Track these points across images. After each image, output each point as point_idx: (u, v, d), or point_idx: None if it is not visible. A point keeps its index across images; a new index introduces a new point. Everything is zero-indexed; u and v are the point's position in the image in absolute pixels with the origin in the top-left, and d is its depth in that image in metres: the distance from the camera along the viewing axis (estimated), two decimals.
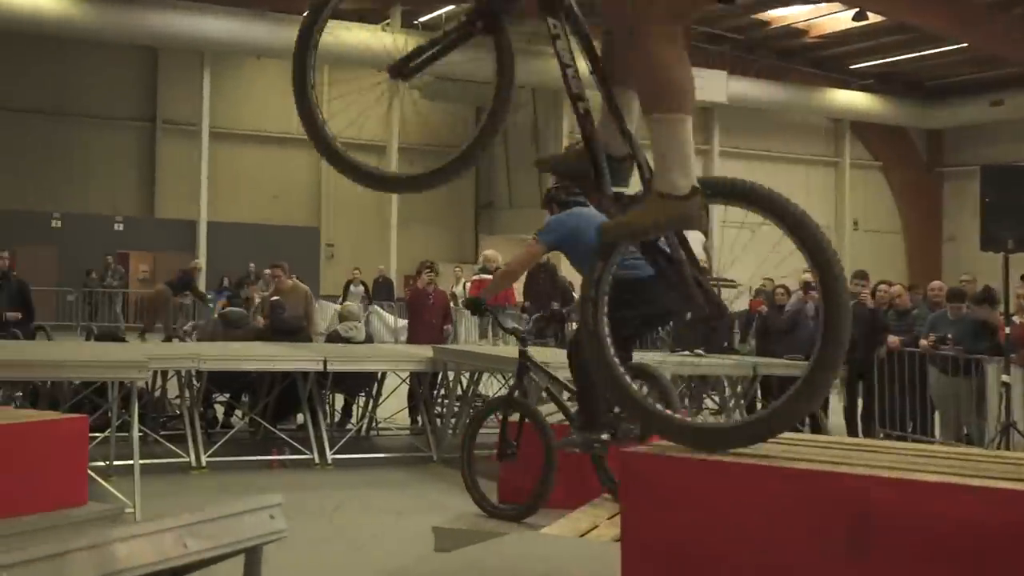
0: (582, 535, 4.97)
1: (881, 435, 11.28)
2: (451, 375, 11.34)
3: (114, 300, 25.46)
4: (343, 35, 26.62)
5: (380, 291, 23.69)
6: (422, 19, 28.58)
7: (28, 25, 23.96)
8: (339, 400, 12.11)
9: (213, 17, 25.10)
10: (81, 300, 25.07)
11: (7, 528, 5.23)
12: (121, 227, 27.67)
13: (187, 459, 9.65)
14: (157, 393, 11.15)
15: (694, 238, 10.95)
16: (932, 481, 2.73)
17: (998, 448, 9.86)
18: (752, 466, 2.94)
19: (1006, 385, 10.15)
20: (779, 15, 27.63)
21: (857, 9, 24.49)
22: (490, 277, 14.27)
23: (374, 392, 11.88)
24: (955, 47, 26.98)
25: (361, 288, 22.79)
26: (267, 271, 21.68)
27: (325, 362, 10.28)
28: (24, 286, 13.07)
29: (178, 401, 10.74)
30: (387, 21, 27.11)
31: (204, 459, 9.75)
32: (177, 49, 27.29)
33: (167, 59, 28.62)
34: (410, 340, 13.66)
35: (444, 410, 11.66)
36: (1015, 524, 2.56)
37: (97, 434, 9.02)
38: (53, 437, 5.86)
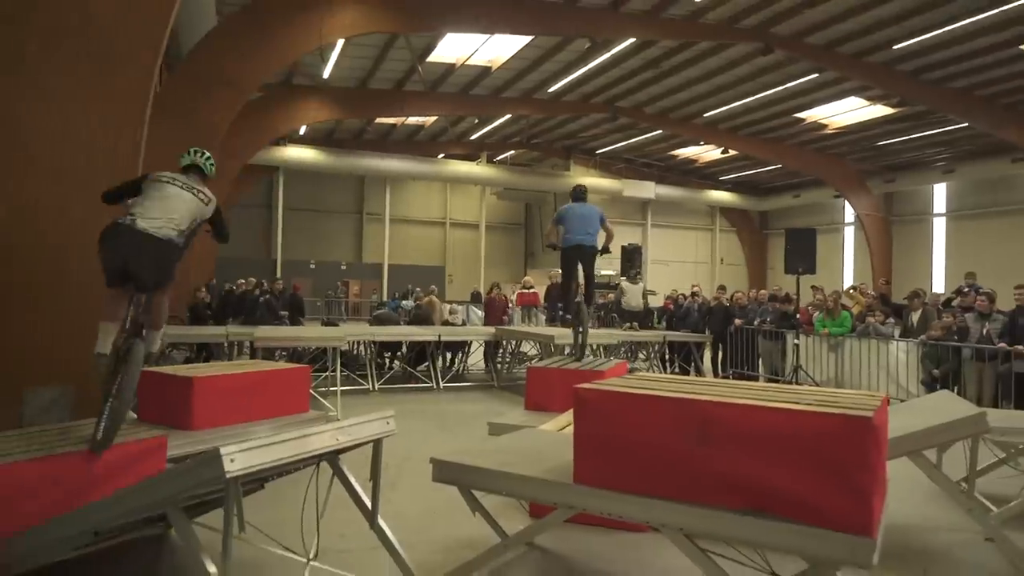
0: (560, 429, 4.80)
1: (731, 372, 11.18)
2: (505, 343, 11.27)
3: (340, 304, 25.80)
4: (456, 167, 26.72)
5: (475, 299, 23.60)
6: (497, 158, 28.47)
7: (298, 165, 24.27)
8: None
9: (392, 160, 25.24)
10: (324, 305, 25.36)
11: (271, 424, 5.28)
12: (344, 267, 27.92)
13: (367, 386, 9.63)
14: (354, 352, 11.16)
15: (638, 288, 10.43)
16: (740, 403, 2.65)
17: (791, 379, 9.73)
18: (647, 395, 2.84)
19: (796, 346, 9.97)
20: (683, 152, 27.21)
21: (723, 148, 24.19)
22: (528, 291, 14.16)
23: (467, 351, 11.85)
24: (775, 167, 26.53)
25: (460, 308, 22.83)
26: (417, 289, 21.71)
27: (439, 336, 10.24)
28: (298, 298, 13.33)
29: (365, 356, 10.76)
30: (479, 159, 27.04)
31: (376, 386, 9.74)
32: (374, 176, 27.51)
33: (368, 181, 28.85)
34: (485, 323, 13.60)
35: (501, 360, 11.57)
36: (789, 427, 2.47)
37: (322, 373, 9.11)
38: (291, 377, 5.85)
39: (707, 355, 12.32)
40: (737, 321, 11.30)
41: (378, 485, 3.28)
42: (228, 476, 2.43)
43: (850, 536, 2.34)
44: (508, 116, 22.54)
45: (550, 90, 19.69)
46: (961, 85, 16.90)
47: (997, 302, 8.39)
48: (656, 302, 15.86)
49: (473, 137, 25.73)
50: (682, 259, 30.81)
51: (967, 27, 13.86)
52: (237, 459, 2.48)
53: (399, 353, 11.45)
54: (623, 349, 11.89)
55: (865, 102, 19.06)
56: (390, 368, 11.26)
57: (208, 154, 4.36)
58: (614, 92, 20.15)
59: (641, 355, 12.55)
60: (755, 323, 11.03)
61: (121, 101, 4.65)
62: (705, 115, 21.32)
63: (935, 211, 24.93)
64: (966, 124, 18.59)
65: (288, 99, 18.59)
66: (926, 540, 4.59)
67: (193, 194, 4.02)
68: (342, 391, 8.28)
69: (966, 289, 9.71)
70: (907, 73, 16.55)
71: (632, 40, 15.75)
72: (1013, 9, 12.95)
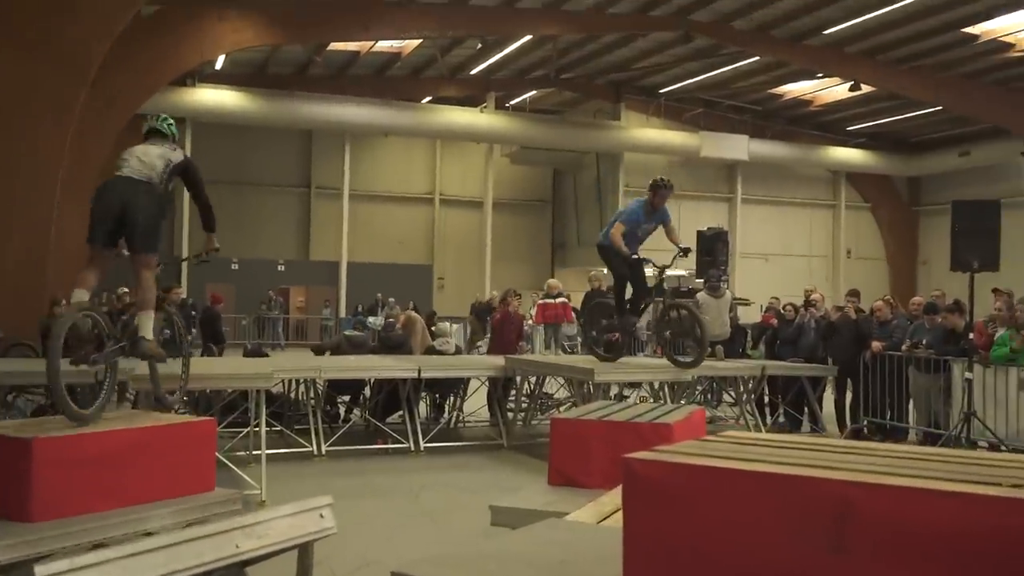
0: (602, 519, 4.61)
1: (864, 422, 11.06)
2: (518, 379, 11.18)
3: (276, 324, 25.87)
4: (450, 115, 26.70)
5: (477, 313, 23.44)
6: (511, 102, 28.40)
7: (214, 115, 24.35)
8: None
9: (352, 106, 25.27)
10: (252, 324, 25.44)
11: (156, 510, 5.09)
12: (283, 268, 28.01)
13: (310, 448, 9.53)
14: (293, 395, 11.06)
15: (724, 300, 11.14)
16: (902, 485, 2.47)
17: (960, 432, 9.59)
18: (741, 471, 2.65)
19: (968, 381, 9.79)
20: (789, 89, 27.24)
21: (852, 82, 24.08)
22: (555, 301, 14.03)
23: (461, 392, 11.77)
24: (931, 110, 26.39)
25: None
26: (391, 299, 21.76)
27: (419, 370, 10.15)
28: (212, 314, 13.57)
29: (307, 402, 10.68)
30: (484, 105, 26.98)
31: (324, 448, 9.64)
32: (326, 131, 27.57)
33: (318, 139, 28.92)
34: (490, 351, 13.50)
35: (515, 406, 11.45)
36: (979, 525, 2.29)
37: (241, 429, 8.99)
38: (187, 436, 5.71)
39: (828, 396, 12.17)
40: (876, 344, 11.13)
41: None
42: None
43: None
44: (528, 38, 22.45)
45: None
46: None
47: None
48: (750, 316, 15.62)
49: (475, 71, 25.73)
50: (789, 251, 30.65)
51: None
52: None
53: (362, 396, 11.30)
54: (700, 388, 11.73)
55: None
56: (346, 420, 11.11)
57: (166, 116, 6.26)
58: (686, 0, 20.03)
59: (728, 397, 12.37)
60: (903, 347, 10.87)
61: None
62: (825, 32, 21.21)
63: None
64: None
65: (197, 16, 18.63)
66: None
67: (156, 145, 5.92)
68: (270, 456, 8.12)
69: None
70: None
71: None
72: None
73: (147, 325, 5.89)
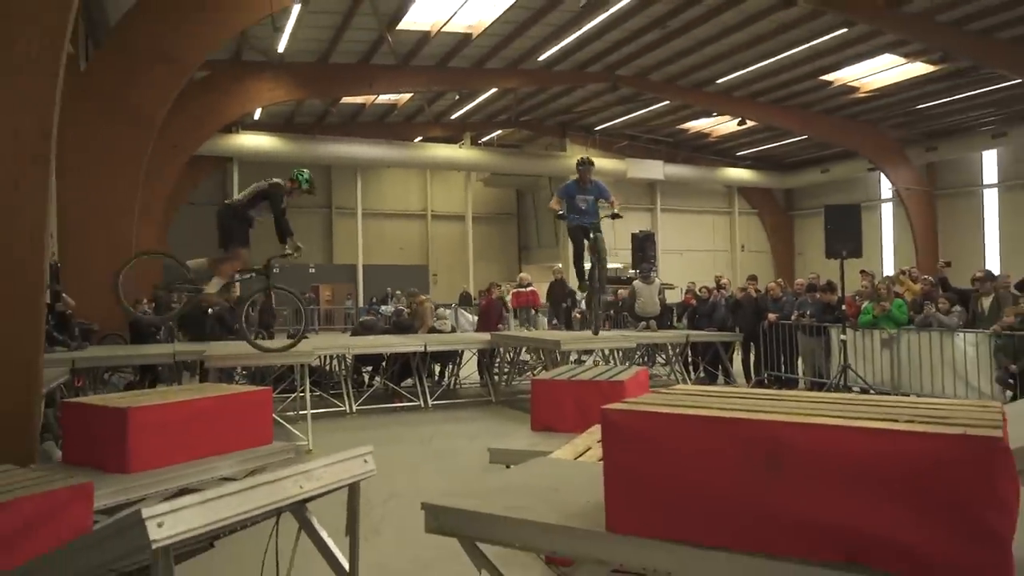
0: (578, 456, 4.51)
1: (765, 375, 11.03)
2: (501, 350, 11.04)
3: (312, 314, 25.44)
4: (436, 151, 26.41)
5: (464, 300, 23.31)
6: (483, 139, 28.18)
7: (254, 155, 23.93)
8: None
9: (362, 146, 24.97)
10: (291, 315, 25.05)
11: (228, 460, 5.03)
12: (313, 270, 27.54)
13: (343, 408, 9.36)
14: (328, 368, 10.89)
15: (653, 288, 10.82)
16: (821, 423, 2.40)
17: (838, 381, 9.58)
18: (695, 416, 2.58)
19: (843, 342, 9.77)
20: (693, 124, 27.05)
21: (740, 118, 24.07)
22: (525, 290, 13.89)
23: (458, 362, 11.63)
24: (799, 138, 26.45)
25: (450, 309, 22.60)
26: (398, 291, 21.43)
27: (425, 346, 10.01)
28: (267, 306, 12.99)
29: (340, 373, 10.50)
30: (462, 142, 26.75)
31: (354, 407, 9.48)
32: (342, 165, 27.19)
33: (336, 171, 28.52)
34: (478, 329, 13.35)
35: (499, 371, 11.32)
36: (880, 452, 2.25)
37: (290, 394, 8.83)
38: (249, 402, 5.55)
39: (737, 357, 12.13)
40: (771, 316, 11.08)
41: (356, 540, 3.00)
42: (155, 546, 2.10)
43: None
44: (493, 90, 22.26)
45: (540, 58, 19.38)
46: (1009, 35, 16.67)
47: None
48: (673, 297, 15.61)
49: (454, 116, 25.45)
50: (698, 247, 30.64)
51: None
52: (166, 523, 2.14)
53: (380, 367, 11.15)
54: (639, 353, 11.65)
55: (901, 59, 18.84)
56: (369, 386, 10.97)
57: (302, 170, 7.56)
58: (614, 58, 19.88)
59: (660, 359, 12.33)
60: (792, 317, 10.83)
61: (21, 74, 4.28)
62: (718, 81, 21.08)
63: (985, 182, 24.77)
64: (1018, 80, 18.37)
65: (238, 78, 18.24)
66: None
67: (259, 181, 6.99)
68: (314, 415, 7.97)
69: None
70: (949, 23, 16.30)
71: None
72: None
73: (213, 284, 7.06)
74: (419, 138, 26.71)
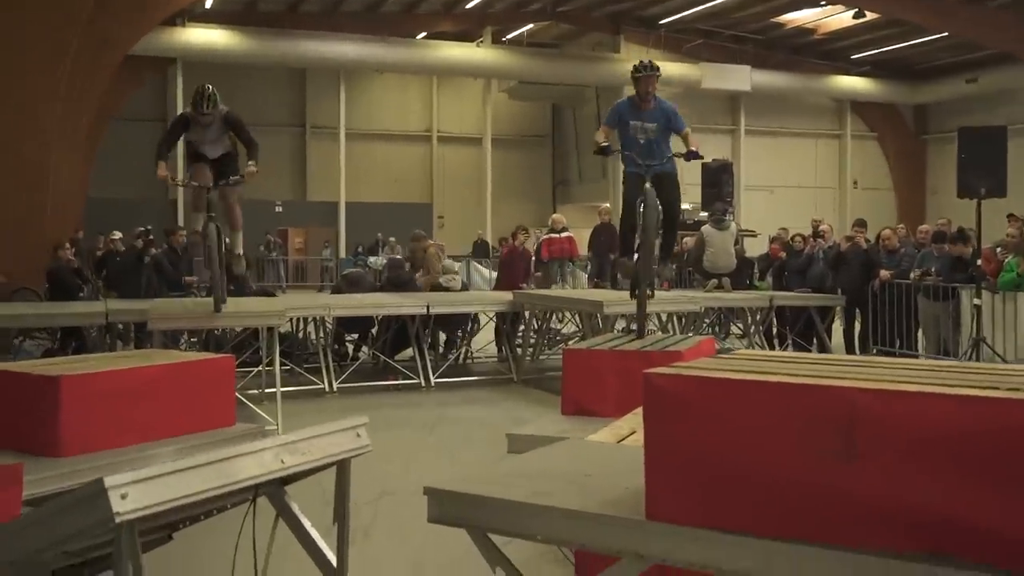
0: (620, 440, 4.81)
1: (874, 351, 11.22)
2: (527, 314, 11.29)
3: (277, 265, 25.83)
4: (446, 51, 26.51)
5: (479, 250, 23.61)
6: (508, 36, 28.17)
7: (204, 56, 24.18)
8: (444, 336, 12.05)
9: (346, 43, 25.10)
10: (252, 266, 25.45)
11: (179, 444, 5.22)
12: (280, 209, 27.89)
13: (321, 386, 9.68)
14: (301, 335, 11.20)
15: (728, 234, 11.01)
16: (907, 391, 2.64)
17: (969, 357, 9.74)
18: (755, 382, 2.82)
19: (977, 307, 9.92)
20: (792, 17, 27.03)
21: (856, 9, 23.97)
22: (560, 236, 14.12)
23: (469, 329, 11.90)
24: (936, 36, 26.29)
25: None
26: (392, 238, 21.82)
27: (428, 307, 10.27)
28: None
29: (318, 341, 10.78)
30: (480, 39, 26.78)
31: (335, 385, 9.78)
32: (320, 69, 27.38)
33: (312, 77, 28.75)
34: (498, 287, 13.60)
35: (523, 341, 11.59)
36: (978, 425, 2.48)
37: (252, 368, 9.14)
38: (207, 373, 5.84)
39: (837, 326, 12.32)
40: (884, 273, 11.27)
41: (346, 528, 3.29)
42: (118, 520, 2.41)
43: None
44: None
45: None
46: None
47: None
48: (757, 248, 15.76)
49: (470, 5, 25.50)
50: (794, 182, 30.60)
51: None
52: (131, 494, 2.45)
53: (369, 335, 11.45)
54: (708, 320, 11.90)
55: None
56: (355, 359, 11.26)
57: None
58: None
59: (736, 328, 12.56)
60: (912, 276, 11.01)
61: None
62: None
63: None
64: None
65: None
66: None
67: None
68: (284, 394, 8.28)
69: None
70: None
71: None
72: None
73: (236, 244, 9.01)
74: (423, 34, 26.81)
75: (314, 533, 3.28)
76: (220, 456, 2.82)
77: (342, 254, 26.25)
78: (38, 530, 2.64)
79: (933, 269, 10.91)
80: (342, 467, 3.27)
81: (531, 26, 27.84)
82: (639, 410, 5.58)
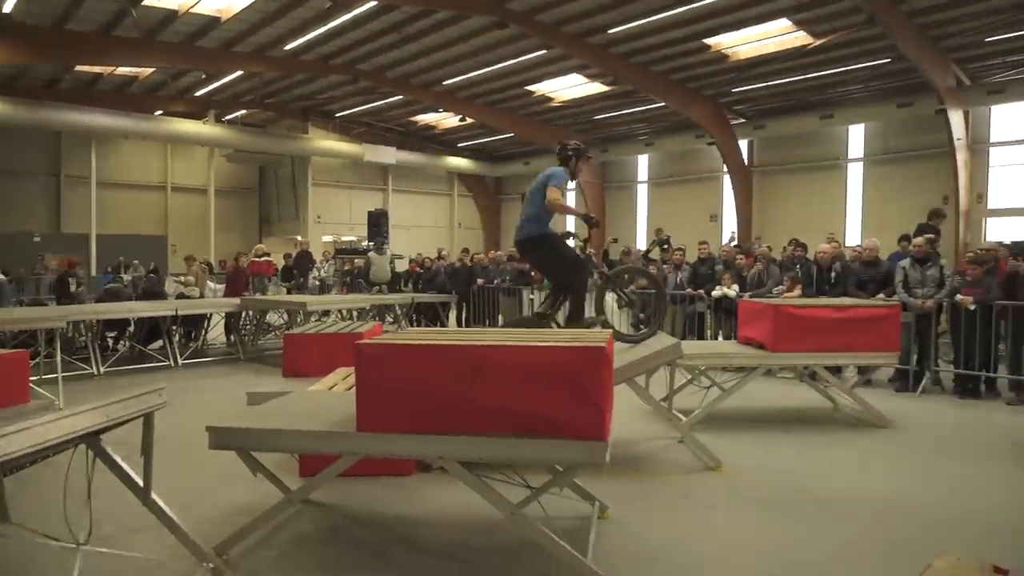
0: (330, 388, 4.97)
1: (474, 328, 11.99)
2: (249, 313, 10.92)
3: (39, 283, 22.25)
4: (179, 126, 24.34)
5: (208, 269, 21.92)
6: (227, 117, 26.44)
7: None
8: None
9: (97, 114, 22.12)
10: (12, 285, 21.69)
11: None
12: (38, 239, 23.99)
13: (91, 370, 8.77)
14: (68, 334, 10.03)
15: None
16: (506, 344, 3.05)
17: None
18: (418, 344, 3.13)
19: (532, 300, 10.88)
20: (422, 118, 27.54)
21: (461, 116, 25.13)
22: (260, 259, 13.66)
23: (206, 325, 11.26)
24: (507, 135, 27.92)
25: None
26: (135, 261, 19.68)
27: (176, 310, 9.63)
28: None
29: (83, 339, 9.72)
30: (206, 118, 24.91)
31: (103, 369, 8.91)
32: (74, 133, 23.98)
33: (67, 138, 25.10)
34: (226, 295, 12.96)
35: (245, 332, 11.19)
36: (539, 359, 2.86)
37: (34, 360, 8.12)
38: (6, 364, 5.23)
39: (452, 314, 13.00)
40: (479, 281, 12.11)
41: (150, 457, 3.24)
42: None
43: (590, 442, 2.92)
44: (240, 73, 21.10)
45: (287, 47, 18.83)
46: (660, 69, 19.52)
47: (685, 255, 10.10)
48: (402, 266, 16.25)
49: (199, 93, 23.67)
50: (424, 224, 31.42)
51: (665, 19, 16.07)
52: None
53: (127, 331, 10.50)
54: (372, 313, 12.12)
55: (585, 79, 21.13)
56: (114, 350, 10.30)
57: None
58: (355, 54, 19.89)
59: (389, 317, 12.90)
60: (495, 282, 11.90)
61: None
62: (444, 83, 21.95)
63: (639, 179, 28.48)
64: (663, 103, 21.48)
65: None
66: (639, 448, 5.64)
67: None
68: (64, 377, 7.45)
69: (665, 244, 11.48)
70: (619, 55, 18.69)
71: (374, 2, 15.70)
72: (700, 7, 15.29)
73: None
74: (160, 112, 24.44)
75: (125, 465, 3.19)
76: (48, 419, 2.68)
77: (93, 273, 23.08)
78: None
79: (508, 278, 11.88)
80: (147, 418, 3.22)
81: (244, 112, 26.35)
82: (339, 370, 5.84)
